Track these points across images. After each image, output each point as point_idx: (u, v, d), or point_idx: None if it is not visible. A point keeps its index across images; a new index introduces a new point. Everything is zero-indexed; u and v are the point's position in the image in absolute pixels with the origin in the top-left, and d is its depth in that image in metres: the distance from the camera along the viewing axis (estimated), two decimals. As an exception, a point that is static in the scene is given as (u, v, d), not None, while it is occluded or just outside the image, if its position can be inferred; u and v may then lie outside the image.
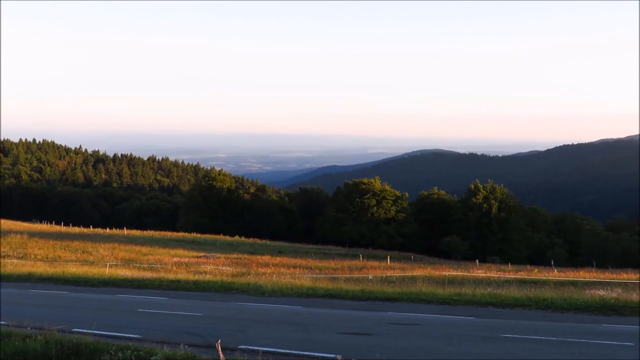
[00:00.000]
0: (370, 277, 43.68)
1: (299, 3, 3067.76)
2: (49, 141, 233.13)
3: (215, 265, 55.88)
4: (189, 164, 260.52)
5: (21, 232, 77.66)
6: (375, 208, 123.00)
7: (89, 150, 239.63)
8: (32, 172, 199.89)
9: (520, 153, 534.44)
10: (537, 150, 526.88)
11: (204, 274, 44.08)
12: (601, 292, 29.40)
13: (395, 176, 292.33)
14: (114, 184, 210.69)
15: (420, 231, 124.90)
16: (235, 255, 74.00)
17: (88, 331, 18.24)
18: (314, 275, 45.16)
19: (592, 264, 72.46)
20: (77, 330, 18.95)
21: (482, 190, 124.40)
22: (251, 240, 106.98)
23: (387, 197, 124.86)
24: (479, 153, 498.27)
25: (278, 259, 68.15)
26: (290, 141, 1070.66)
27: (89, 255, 64.15)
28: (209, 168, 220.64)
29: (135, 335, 18.51)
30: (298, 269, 54.34)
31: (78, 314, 25.04)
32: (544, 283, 38.88)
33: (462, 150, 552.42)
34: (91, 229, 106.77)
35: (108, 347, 15.03)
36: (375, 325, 22.05)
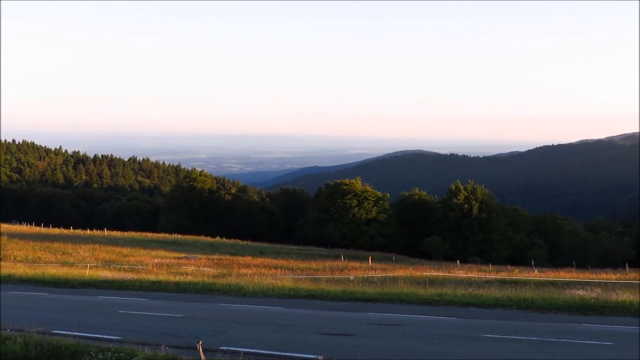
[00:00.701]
0: (351, 277, 43.72)
1: (280, 3, 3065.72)
2: (29, 142, 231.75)
3: (196, 267, 55.74)
4: (169, 164, 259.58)
5: (0, 234, 77.11)
6: (356, 209, 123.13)
7: (69, 151, 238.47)
8: (12, 173, 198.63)
9: (500, 154, 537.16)
10: (518, 151, 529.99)
11: (185, 275, 43.99)
12: (581, 292, 29.59)
13: (377, 177, 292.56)
14: (95, 185, 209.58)
15: (402, 232, 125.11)
16: (216, 256, 73.82)
17: (68, 333, 18.11)
18: (296, 276, 45.11)
19: (572, 264, 72.91)
20: (57, 332, 18.82)
21: (463, 191, 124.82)
22: (232, 241, 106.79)
23: (369, 197, 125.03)
24: (460, 154, 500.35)
25: (259, 260, 68.09)
26: (271, 142, 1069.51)
27: (69, 257, 63.80)
28: (190, 169, 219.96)
29: (116, 337, 18.43)
30: (279, 270, 54.36)
31: (58, 315, 24.88)
32: (525, 283, 39.07)
33: (443, 151, 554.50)
34: (71, 230, 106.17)
35: (88, 349, 14.95)
36: (357, 326, 22.07)
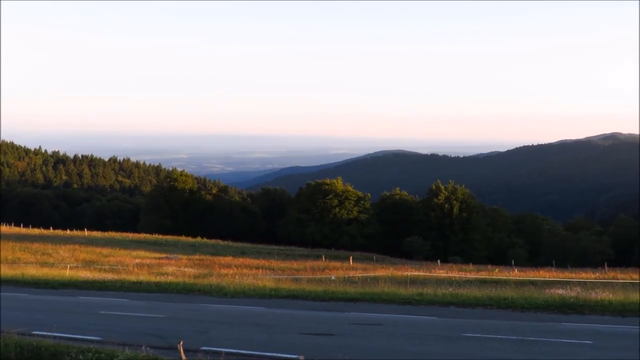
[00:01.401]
0: (332, 277, 43.75)
1: (250, 3, 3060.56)
2: (8, 142, 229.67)
3: (177, 267, 55.64)
4: (150, 164, 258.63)
5: (-21, 234, 76.53)
6: (337, 209, 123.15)
7: (49, 151, 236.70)
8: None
9: (481, 154, 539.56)
10: (498, 151, 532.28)
11: (165, 276, 43.87)
12: (561, 291, 29.76)
13: (358, 177, 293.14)
14: (75, 185, 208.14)
15: (383, 232, 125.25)
16: (197, 257, 73.60)
17: (48, 334, 18.03)
18: (277, 276, 45.11)
19: (551, 264, 73.19)
20: (37, 332, 18.75)
21: (443, 191, 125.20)
22: (213, 241, 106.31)
23: (350, 197, 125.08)
24: (440, 154, 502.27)
25: (240, 260, 67.95)
26: (252, 142, 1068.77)
27: (49, 257, 63.39)
28: (170, 169, 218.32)
29: (97, 338, 18.39)
30: (261, 270, 54.36)
31: (38, 316, 24.76)
32: (505, 283, 39.28)
33: (423, 151, 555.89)
34: (51, 230, 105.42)
35: (69, 350, 14.90)
36: (338, 326, 22.14)
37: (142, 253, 74.06)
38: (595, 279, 41.24)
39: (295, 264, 65.62)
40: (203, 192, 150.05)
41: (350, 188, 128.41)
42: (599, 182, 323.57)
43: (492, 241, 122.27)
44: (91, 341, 17.55)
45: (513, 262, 69.42)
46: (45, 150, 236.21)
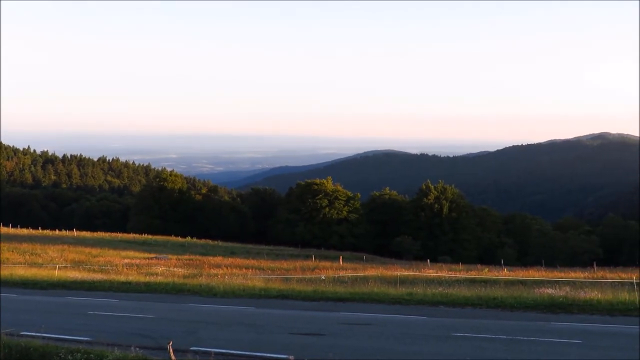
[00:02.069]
0: (322, 277, 43.75)
1: (240, 3, 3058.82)
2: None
3: (166, 267, 55.52)
4: (139, 164, 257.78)
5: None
6: (327, 208, 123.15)
7: (38, 151, 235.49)
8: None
9: (470, 154, 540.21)
10: (487, 151, 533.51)
11: (155, 276, 43.84)
12: (550, 291, 29.83)
13: (347, 177, 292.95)
14: (64, 185, 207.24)
15: (372, 231, 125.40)
16: (187, 257, 73.54)
17: (37, 334, 17.98)
18: (267, 276, 45.09)
19: (541, 263, 73.48)
20: (25, 333, 18.65)
21: (433, 191, 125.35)
22: (203, 241, 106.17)
23: (339, 197, 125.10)
24: (430, 153, 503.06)
25: (230, 260, 67.95)
26: (242, 142, 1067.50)
27: (38, 257, 63.18)
28: (160, 169, 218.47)
29: (86, 338, 18.32)
30: (250, 270, 54.34)
31: (27, 316, 24.65)
32: (494, 282, 39.38)
33: (413, 151, 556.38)
34: (40, 230, 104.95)
35: (57, 351, 14.84)
36: (328, 326, 22.12)
37: (131, 253, 73.92)
38: (584, 278, 41.39)
39: (285, 264, 65.66)
40: (193, 192, 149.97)
41: (340, 188, 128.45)
42: (588, 181, 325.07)
43: (482, 241, 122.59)
44: (80, 342, 17.47)
45: (502, 262, 69.76)
46: (34, 150, 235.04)
